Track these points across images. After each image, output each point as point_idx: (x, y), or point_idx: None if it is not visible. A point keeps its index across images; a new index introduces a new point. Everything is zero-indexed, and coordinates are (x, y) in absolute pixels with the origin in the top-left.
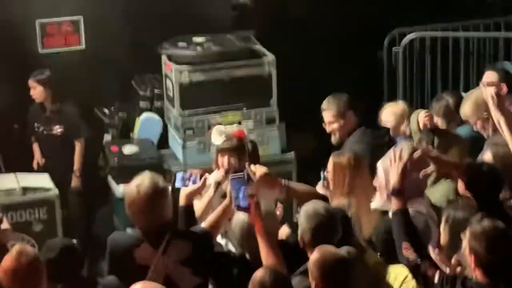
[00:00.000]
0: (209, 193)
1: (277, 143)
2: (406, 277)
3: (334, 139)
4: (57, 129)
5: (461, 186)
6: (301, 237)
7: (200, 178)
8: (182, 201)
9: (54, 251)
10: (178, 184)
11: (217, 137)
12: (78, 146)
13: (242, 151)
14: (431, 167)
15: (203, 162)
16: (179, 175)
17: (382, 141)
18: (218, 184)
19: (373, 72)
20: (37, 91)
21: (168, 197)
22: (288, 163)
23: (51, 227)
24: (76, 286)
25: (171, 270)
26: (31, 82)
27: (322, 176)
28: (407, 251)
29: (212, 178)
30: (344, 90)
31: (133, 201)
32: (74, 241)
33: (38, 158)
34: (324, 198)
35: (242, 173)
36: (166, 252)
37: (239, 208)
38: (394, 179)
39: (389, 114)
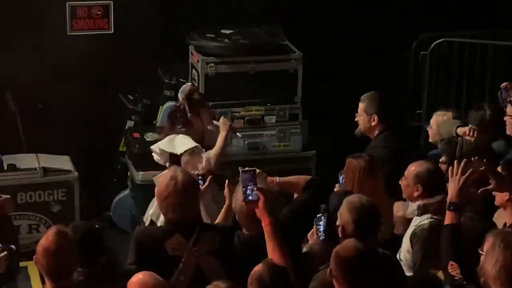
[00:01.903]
0: (222, 135)
1: (299, 140)
2: None
3: (357, 129)
4: None
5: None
6: (342, 228)
7: (203, 178)
8: None
9: (77, 234)
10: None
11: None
12: None
13: None
14: (492, 185)
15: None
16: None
17: (405, 146)
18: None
19: (399, 75)
20: None
21: (200, 189)
22: (308, 161)
23: (69, 209)
24: (94, 272)
25: (202, 261)
26: None
27: (340, 178)
28: (453, 270)
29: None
30: (368, 91)
31: (169, 193)
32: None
33: None
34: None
35: (252, 168)
36: (198, 243)
37: (248, 201)
38: (452, 193)
39: (433, 120)
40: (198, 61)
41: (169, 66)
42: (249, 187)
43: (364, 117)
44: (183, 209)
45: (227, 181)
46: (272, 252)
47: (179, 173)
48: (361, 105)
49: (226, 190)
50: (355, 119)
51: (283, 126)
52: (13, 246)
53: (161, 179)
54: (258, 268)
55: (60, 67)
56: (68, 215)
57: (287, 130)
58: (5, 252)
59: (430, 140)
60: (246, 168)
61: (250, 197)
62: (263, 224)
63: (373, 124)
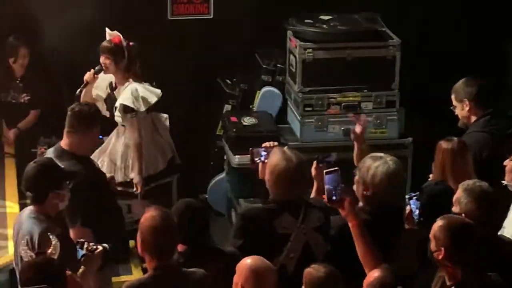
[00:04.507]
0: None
1: (395, 127)
2: None
3: (460, 121)
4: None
5: None
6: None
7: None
8: None
9: (184, 212)
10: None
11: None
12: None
13: (117, 54)
14: None
15: (320, 139)
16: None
17: (506, 131)
18: (87, 83)
19: (499, 64)
20: None
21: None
22: (405, 148)
23: (167, 191)
24: (197, 251)
25: (309, 237)
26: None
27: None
28: None
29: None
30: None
31: (286, 173)
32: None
33: None
34: None
35: (335, 168)
36: (305, 220)
37: (333, 202)
38: None
39: None
40: (296, 47)
41: (267, 51)
42: (333, 187)
43: (457, 105)
44: (295, 188)
45: (315, 162)
46: (364, 255)
47: (289, 152)
48: (453, 95)
49: (314, 172)
50: (454, 112)
51: (380, 112)
52: (106, 245)
53: (275, 158)
54: (379, 273)
55: (160, 51)
56: (166, 197)
57: (383, 117)
58: (100, 248)
59: None
60: (329, 169)
61: (334, 197)
62: (350, 225)
63: (466, 110)
